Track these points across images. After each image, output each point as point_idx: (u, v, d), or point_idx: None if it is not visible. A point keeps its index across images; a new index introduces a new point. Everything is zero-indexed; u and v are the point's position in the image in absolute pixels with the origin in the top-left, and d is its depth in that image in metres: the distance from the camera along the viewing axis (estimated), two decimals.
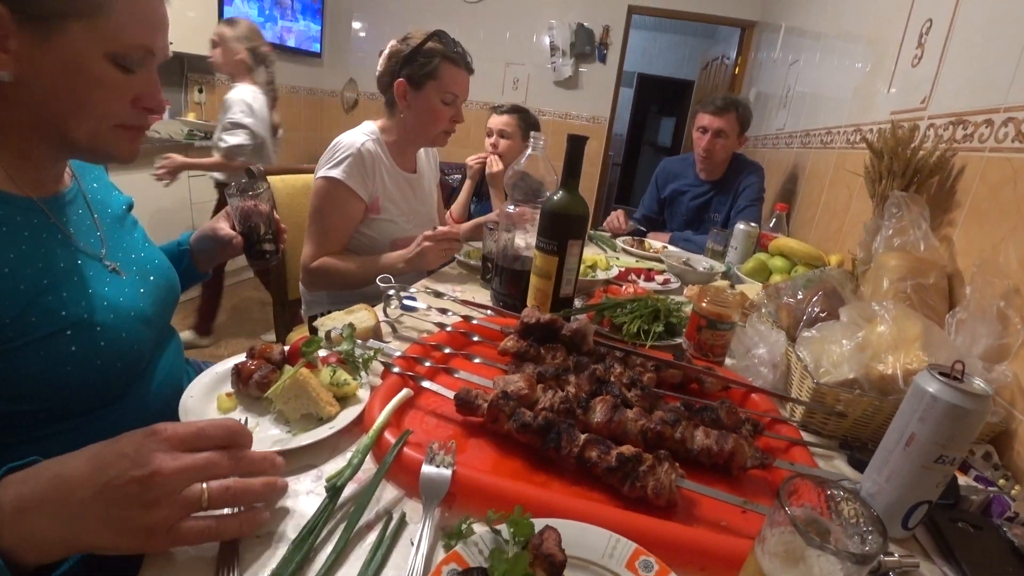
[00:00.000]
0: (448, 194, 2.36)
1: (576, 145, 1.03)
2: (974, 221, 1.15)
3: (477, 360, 0.89)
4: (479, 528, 0.56)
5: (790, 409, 0.97)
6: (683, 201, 2.57)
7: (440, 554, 0.56)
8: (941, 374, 0.69)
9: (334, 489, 0.59)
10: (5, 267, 0.63)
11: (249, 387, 0.76)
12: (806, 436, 0.89)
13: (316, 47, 5.06)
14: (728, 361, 1.11)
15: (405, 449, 0.66)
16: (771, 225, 1.97)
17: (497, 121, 2.38)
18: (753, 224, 1.84)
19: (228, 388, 0.78)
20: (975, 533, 0.73)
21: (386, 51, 1.50)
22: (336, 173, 1.43)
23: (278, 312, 1.82)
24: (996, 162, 1.11)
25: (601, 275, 1.47)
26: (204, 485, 0.49)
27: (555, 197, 1.05)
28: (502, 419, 0.73)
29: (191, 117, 3.89)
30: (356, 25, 5.20)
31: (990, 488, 0.82)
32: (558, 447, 0.69)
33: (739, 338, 1.10)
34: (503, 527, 0.55)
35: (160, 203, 3.30)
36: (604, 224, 2.48)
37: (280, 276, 1.79)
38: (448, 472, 0.62)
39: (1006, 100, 1.11)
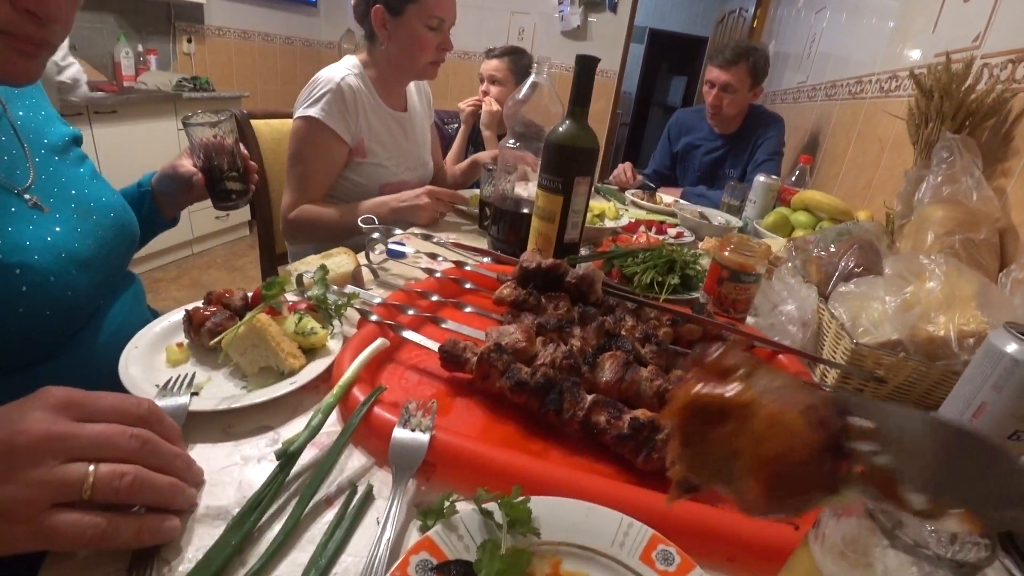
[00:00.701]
0: (446, 144, 2.19)
1: (586, 67, 0.90)
2: None
3: (469, 309, 0.77)
4: (463, 507, 0.45)
5: (821, 373, 0.85)
6: (696, 155, 2.42)
7: (414, 537, 0.46)
8: (1021, 333, 0.57)
9: (286, 456, 0.48)
10: None
11: (201, 335, 0.65)
12: None
13: None
14: (751, 319, 1.00)
15: (376, 409, 0.55)
16: (793, 179, 1.82)
17: (488, 66, 2.21)
18: (774, 177, 1.70)
19: (181, 337, 0.68)
20: None
21: None
22: (314, 112, 1.29)
23: (265, 267, 1.70)
24: None
25: (610, 223, 1.33)
26: (92, 467, 0.38)
27: (560, 128, 0.91)
28: (494, 375, 0.61)
29: (179, 69, 3.72)
30: None
31: None
32: (559, 409, 0.58)
33: (764, 293, 0.98)
34: (495, 508, 0.44)
35: (153, 159, 3.12)
36: (611, 177, 2.32)
37: (267, 228, 1.66)
38: (425, 437, 0.51)
39: None
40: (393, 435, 0.51)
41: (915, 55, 1.62)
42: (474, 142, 2.26)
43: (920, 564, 0.34)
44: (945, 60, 1.20)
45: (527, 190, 1.10)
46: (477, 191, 1.53)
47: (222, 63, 4.22)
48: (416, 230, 1.00)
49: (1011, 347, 0.56)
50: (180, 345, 0.65)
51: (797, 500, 0.31)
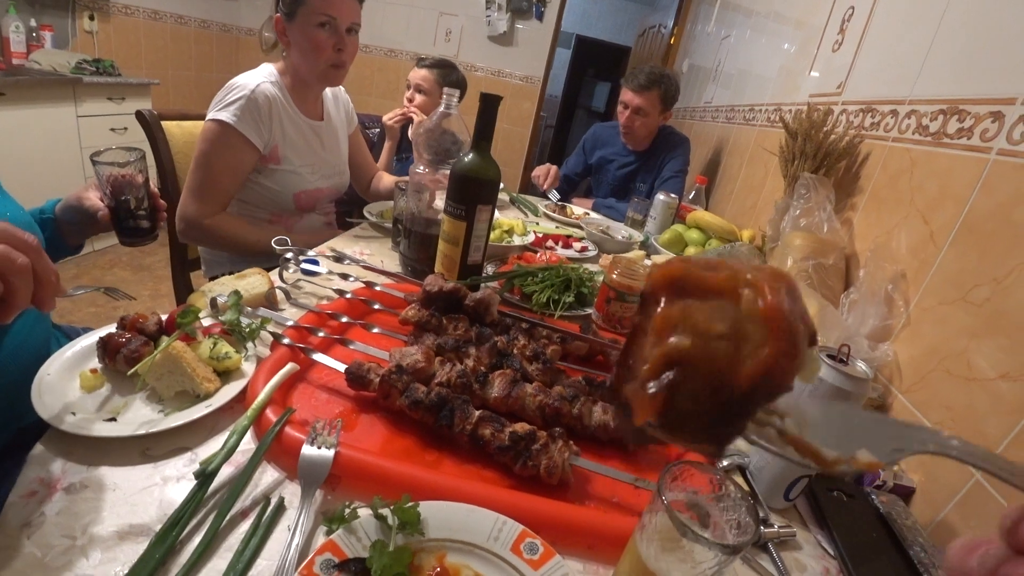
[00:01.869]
0: (368, 148, 2.22)
1: (489, 105, 0.97)
2: (873, 207, 1.20)
3: (376, 330, 0.84)
4: (363, 512, 0.53)
5: None
6: (610, 169, 2.58)
7: (321, 540, 0.53)
8: (829, 356, 0.71)
9: (204, 475, 0.54)
10: None
11: (117, 362, 0.68)
12: None
13: None
14: None
15: (287, 428, 0.61)
16: (691, 197, 2.01)
17: (416, 75, 2.26)
18: (673, 195, 1.86)
19: (95, 362, 0.70)
20: (848, 501, 0.78)
21: None
22: (226, 116, 1.29)
23: (177, 274, 1.67)
24: (897, 152, 1.15)
25: (518, 240, 1.43)
26: None
27: (465, 159, 0.99)
28: (394, 394, 0.69)
29: (79, 49, 3.44)
30: None
31: None
32: (451, 425, 0.66)
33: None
34: (389, 514, 0.52)
35: (48, 150, 2.90)
36: (533, 174, 2.47)
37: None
38: (330, 453, 0.58)
39: (911, 93, 1.15)
40: (301, 452, 0.58)
41: (795, 93, 1.83)
42: (399, 151, 2.30)
43: (712, 547, 0.44)
44: (808, 107, 1.38)
45: (437, 202, 1.16)
46: (390, 204, 1.58)
47: (129, 45, 3.90)
48: (328, 251, 1.05)
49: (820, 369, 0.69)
50: (94, 371, 0.67)
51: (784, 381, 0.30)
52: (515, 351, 0.84)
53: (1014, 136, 0.85)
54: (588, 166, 2.69)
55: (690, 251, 1.60)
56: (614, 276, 1.06)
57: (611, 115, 2.59)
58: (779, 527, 0.70)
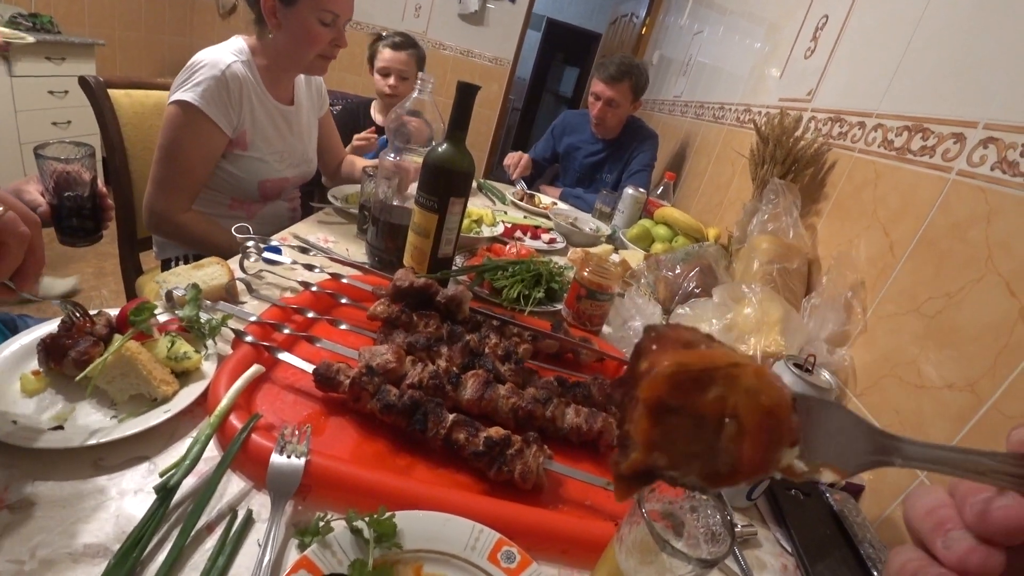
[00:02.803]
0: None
1: (466, 94, 0.95)
2: (836, 215, 1.24)
3: (343, 327, 0.81)
4: (337, 525, 0.51)
5: None
6: (578, 157, 2.58)
7: (293, 555, 0.51)
8: (796, 365, 0.73)
9: (165, 490, 0.51)
10: None
11: (64, 366, 0.62)
12: None
13: None
14: (606, 329, 1.13)
15: (253, 435, 0.58)
16: (659, 192, 2.03)
17: (395, 59, 2.14)
18: (641, 190, 1.88)
19: (35, 363, 0.64)
20: (804, 500, 0.81)
21: None
22: (192, 97, 1.20)
23: (125, 254, 1.55)
24: (862, 163, 1.19)
25: (487, 231, 1.41)
26: None
27: (439, 149, 0.96)
28: (365, 397, 0.67)
29: (13, 1, 3.15)
30: None
31: None
32: (424, 429, 0.65)
33: (617, 308, 1.11)
34: (364, 526, 0.50)
35: None
36: (505, 162, 2.44)
37: (127, 211, 1.51)
38: (300, 463, 0.56)
39: (879, 106, 1.18)
40: (270, 462, 0.55)
41: (765, 96, 1.86)
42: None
43: (691, 563, 0.45)
44: (781, 112, 1.40)
45: (406, 196, 1.13)
46: (355, 189, 1.53)
47: (70, 0, 3.60)
48: (292, 239, 1.01)
49: (785, 377, 0.71)
50: (37, 373, 0.62)
51: (775, 455, 0.31)
52: (487, 350, 0.83)
53: (973, 159, 0.88)
54: (555, 153, 2.69)
55: (657, 247, 1.62)
56: (585, 274, 1.06)
57: (578, 101, 2.60)
58: (742, 527, 0.73)
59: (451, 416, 0.66)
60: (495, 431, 0.66)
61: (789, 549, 0.74)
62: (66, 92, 3.08)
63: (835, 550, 0.75)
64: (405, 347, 0.78)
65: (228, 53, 1.27)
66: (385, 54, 2.15)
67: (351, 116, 2.34)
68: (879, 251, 1.04)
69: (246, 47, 1.33)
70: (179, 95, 1.20)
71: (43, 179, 0.80)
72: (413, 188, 1.06)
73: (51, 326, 0.67)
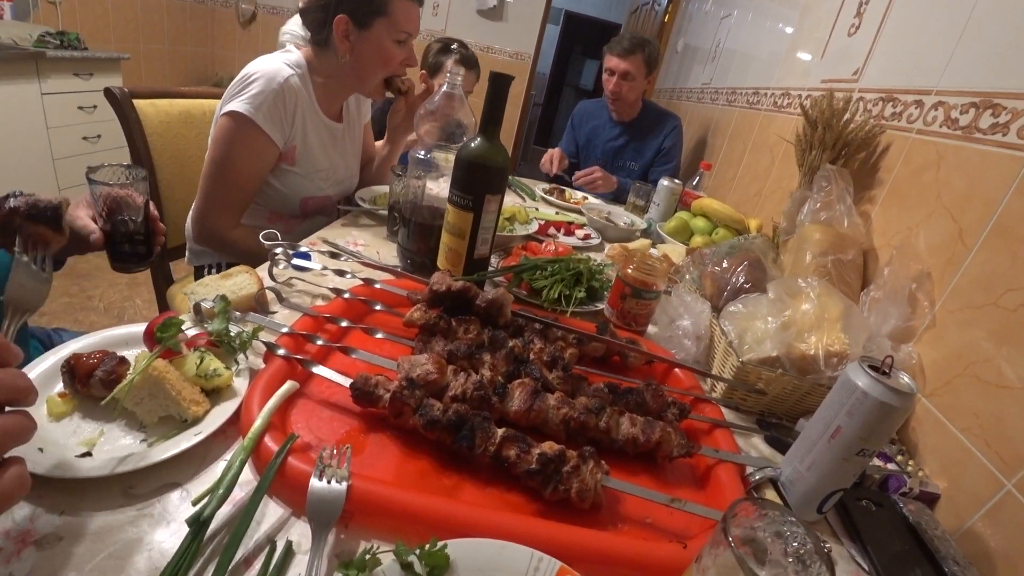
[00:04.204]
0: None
1: (500, 86, 0.89)
2: (893, 201, 1.15)
3: (379, 335, 0.77)
4: (385, 556, 0.46)
5: (711, 384, 0.94)
6: (598, 144, 2.55)
7: None
8: (871, 367, 0.66)
9: (198, 523, 0.47)
10: None
11: (91, 387, 0.59)
12: (725, 412, 0.87)
13: None
14: (651, 329, 1.07)
15: (290, 459, 0.54)
16: (694, 183, 1.95)
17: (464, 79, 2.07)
18: (677, 181, 1.80)
19: (61, 385, 0.61)
20: (876, 511, 0.75)
21: None
22: (246, 108, 1.15)
23: (155, 264, 1.53)
24: (921, 145, 1.10)
25: (520, 229, 1.36)
26: None
27: (472, 144, 0.91)
28: (407, 412, 0.62)
29: (41, 20, 3.21)
30: None
31: (889, 465, 0.84)
32: (471, 445, 0.60)
33: (663, 307, 1.05)
34: (415, 559, 0.46)
35: (10, 131, 2.68)
36: (541, 164, 2.40)
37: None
38: (342, 488, 0.52)
39: (939, 83, 1.09)
40: (310, 489, 0.51)
41: (805, 78, 1.76)
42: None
43: None
44: (829, 94, 1.32)
45: (437, 190, 1.08)
46: (385, 189, 1.49)
47: (96, 16, 3.66)
48: (321, 243, 0.96)
49: (862, 381, 0.64)
50: (63, 395, 0.59)
51: None
52: (532, 356, 0.78)
53: None
54: (578, 144, 2.64)
55: (696, 241, 1.55)
56: (629, 271, 1.00)
57: (599, 93, 2.55)
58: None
59: (500, 431, 0.62)
60: (548, 446, 0.61)
61: (866, 567, 0.67)
62: (95, 107, 3.14)
63: (915, 567, 0.69)
64: (445, 356, 0.73)
65: (284, 65, 1.22)
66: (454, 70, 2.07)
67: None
68: (946, 239, 0.96)
69: (303, 60, 1.27)
70: (233, 105, 1.15)
71: (95, 203, 0.78)
72: (444, 188, 1.02)
73: (83, 342, 0.64)
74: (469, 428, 0.61)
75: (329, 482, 0.52)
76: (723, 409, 0.87)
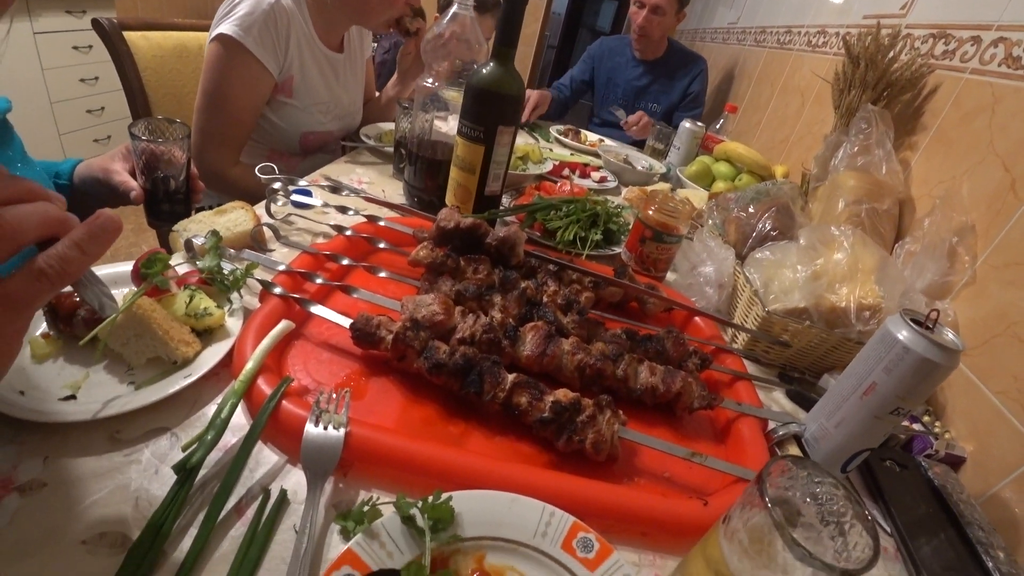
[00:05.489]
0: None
1: (515, 5, 0.81)
2: (938, 148, 1.07)
3: (383, 274, 0.72)
4: (385, 508, 0.43)
5: (732, 334, 0.89)
6: (619, 84, 2.41)
7: (335, 542, 0.43)
8: (915, 321, 0.61)
9: (185, 471, 0.43)
10: None
11: (74, 327, 0.55)
12: (746, 364, 0.82)
13: None
14: (670, 275, 1.01)
15: (285, 403, 0.50)
16: (717, 127, 1.84)
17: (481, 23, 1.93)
18: (700, 124, 1.70)
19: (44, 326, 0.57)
20: (900, 472, 0.72)
21: None
22: (234, 31, 1.05)
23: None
24: (975, 86, 1.00)
25: (533, 169, 1.28)
26: None
27: (483, 70, 0.83)
28: (411, 355, 0.58)
29: None
30: None
31: (915, 425, 0.80)
32: (480, 392, 0.56)
33: (684, 252, 0.99)
34: (417, 513, 0.42)
35: (4, 75, 2.54)
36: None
37: None
38: (340, 435, 0.48)
39: (1001, 16, 0.98)
40: (305, 435, 0.47)
41: (844, 14, 1.63)
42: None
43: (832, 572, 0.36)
44: (876, 27, 1.20)
45: (447, 128, 1.01)
46: (391, 126, 1.41)
47: None
48: (322, 179, 0.90)
49: (903, 334, 0.59)
50: (47, 336, 0.55)
51: None
52: (545, 299, 0.73)
53: None
54: (589, 82, 2.50)
55: (719, 186, 1.47)
56: (650, 213, 0.94)
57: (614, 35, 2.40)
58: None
59: (510, 377, 0.57)
60: (563, 394, 0.56)
61: (888, 529, 0.64)
62: (90, 47, 2.98)
63: (939, 531, 0.66)
64: (453, 296, 0.68)
65: None
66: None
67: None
68: (996, 190, 0.88)
69: None
70: (221, 28, 1.06)
71: (135, 159, 0.74)
72: (453, 125, 0.95)
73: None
74: (477, 373, 0.57)
75: (326, 428, 0.48)
76: (744, 361, 0.82)
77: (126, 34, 1.33)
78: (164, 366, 0.55)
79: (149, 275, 0.57)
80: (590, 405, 0.56)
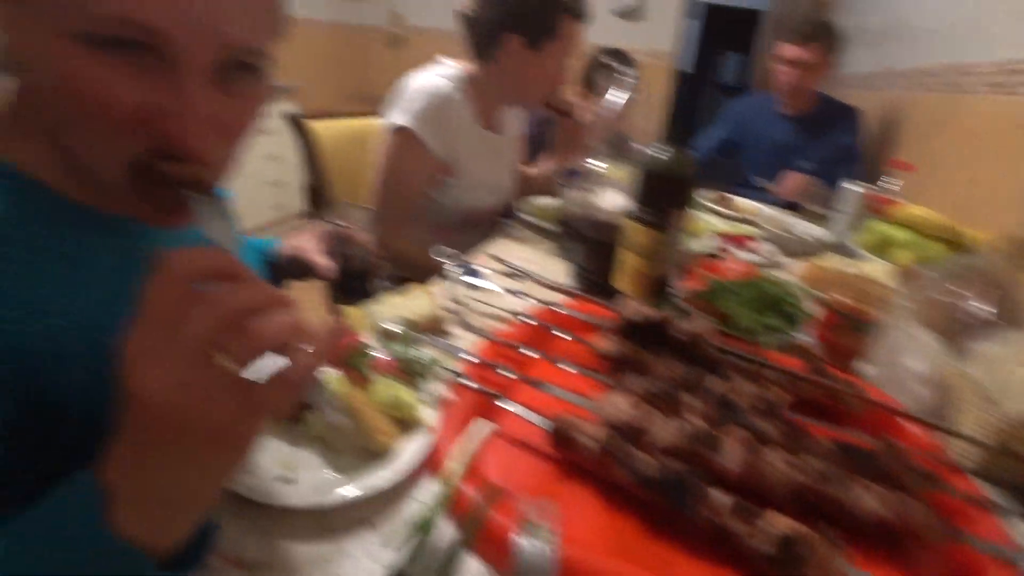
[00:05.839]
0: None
1: (687, 85, 0.80)
2: None
3: (568, 368, 0.70)
4: None
5: (960, 450, 0.75)
6: (763, 145, 2.28)
7: None
8: None
9: None
10: (84, 314, 0.46)
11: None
12: (974, 483, 0.68)
13: None
14: (865, 368, 0.90)
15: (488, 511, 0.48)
16: (884, 187, 1.67)
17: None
18: (867, 185, 1.55)
19: None
20: None
21: None
22: (407, 121, 1.19)
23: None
24: None
25: (696, 244, 1.23)
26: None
27: (654, 153, 0.82)
28: (614, 466, 0.55)
29: None
30: None
31: None
32: (691, 512, 0.51)
33: (880, 341, 0.88)
34: None
35: None
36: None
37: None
38: (550, 553, 0.45)
39: None
40: (514, 550, 0.45)
41: None
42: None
43: None
44: None
45: (609, 204, 1.00)
46: (553, 201, 1.43)
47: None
48: (489, 258, 0.92)
49: None
50: None
51: None
52: (740, 399, 0.67)
53: None
54: (736, 142, 2.39)
55: (902, 257, 1.31)
56: (841, 297, 0.85)
57: (741, 89, 2.31)
58: None
59: (726, 500, 0.52)
60: (787, 526, 0.50)
61: None
62: (272, 132, 3.45)
63: None
64: (643, 395, 0.65)
65: (441, 78, 1.24)
66: (625, 73, 1.89)
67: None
68: None
69: (461, 73, 1.28)
70: (395, 119, 1.20)
71: (327, 239, 0.84)
72: (616, 201, 0.94)
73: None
74: (686, 490, 0.52)
75: (534, 543, 0.45)
76: (974, 480, 0.69)
77: (311, 123, 1.51)
78: (366, 454, 0.56)
79: (356, 365, 0.60)
80: (819, 540, 0.49)
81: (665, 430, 0.59)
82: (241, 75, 0.44)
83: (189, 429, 0.32)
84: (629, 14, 4.22)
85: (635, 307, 0.72)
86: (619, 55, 2.04)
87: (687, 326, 0.71)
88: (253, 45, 0.44)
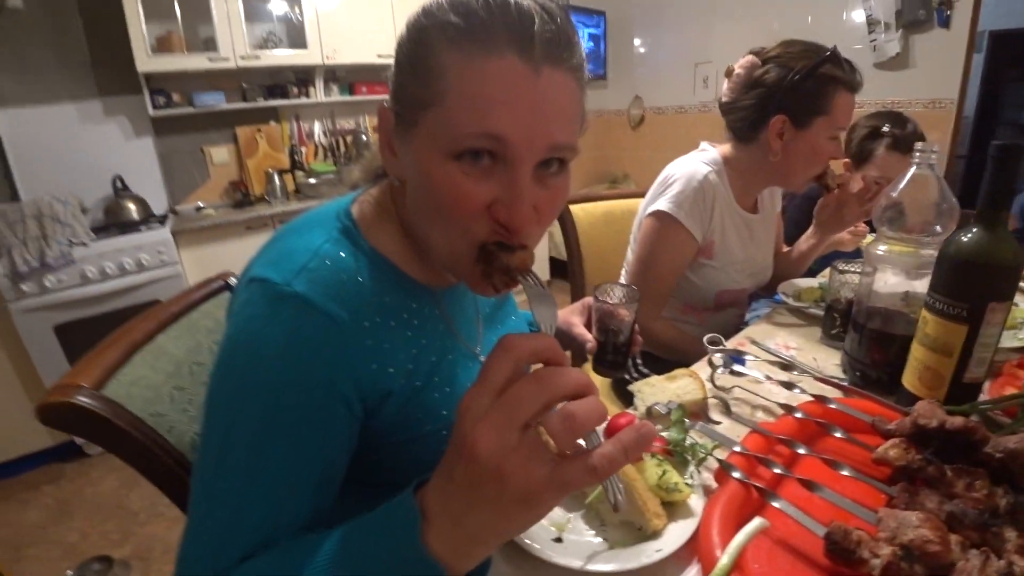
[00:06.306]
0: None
1: (1007, 158, 0.70)
2: None
3: (845, 472, 0.65)
4: None
5: None
6: None
7: None
8: None
9: None
10: (409, 363, 0.61)
11: None
12: None
13: (600, 70, 5.04)
14: None
15: None
16: None
17: (895, 165, 1.67)
18: None
19: None
20: None
21: (742, 73, 1.22)
22: (669, 207, 1.23)
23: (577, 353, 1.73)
24: None
25: (1009, 338, 1.01)
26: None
27: (965, 237, 0.73)
28: None
29: None
30: (636, 41, 5.01)
31: None
32: None
33: None
34: None
35: None
36: None
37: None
38: None
39: None
40: None
41: None
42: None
43: None
44: None
45: (887, 288, 0.91)
46: (812, 283, 1.35)
47: None
48: (749, 344, 0.90)
49: None
50: None
51: None
52: None
53: None
54: None
55: None
56: None
57: None
58: None
59: None
60: None
61: None
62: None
63: None
64: (943, 518, 0.57)
65: (702, 164, 1.28)
66: (890, 159, 1.69)
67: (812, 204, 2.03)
68: None
69: (719, 157, 1.31)
70: (657, 205, 1.25)
71: (593, 315, 0.89)
72: (898, 285, 0.86)
73: None
74: None
75: None
76: None
77: (570, 206, 1.69)
78: (634, 532, 0.61)
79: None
80: None
81: (971, 563, 0.51)
82: (554, 169, 0.55)
83: (505, 487, 0.38)
84: (891, 63, 3.77)
85: (931, 410, 0.65)
86: (893, 117, 1.80)
87: (1005, 441, 0.61)
88: (570, 143, 0.55)
